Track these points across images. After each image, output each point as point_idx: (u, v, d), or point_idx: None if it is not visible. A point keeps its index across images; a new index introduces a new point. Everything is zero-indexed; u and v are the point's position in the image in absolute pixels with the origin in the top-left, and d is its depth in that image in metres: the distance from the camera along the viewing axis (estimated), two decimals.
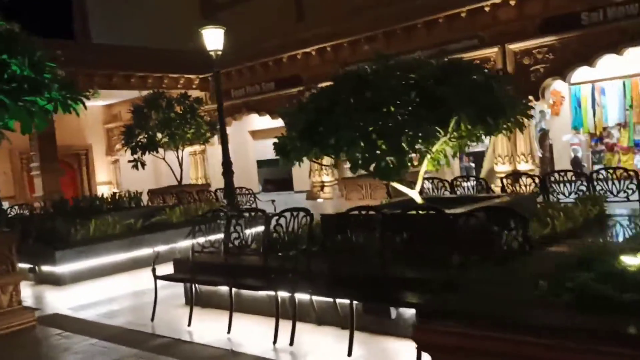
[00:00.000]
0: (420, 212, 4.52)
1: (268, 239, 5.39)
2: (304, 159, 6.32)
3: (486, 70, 5.77)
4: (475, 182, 8.49)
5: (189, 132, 15.12)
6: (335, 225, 5.00)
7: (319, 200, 18.66)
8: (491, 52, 14.78)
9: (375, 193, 10.64)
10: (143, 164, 15.12)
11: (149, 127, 14.72)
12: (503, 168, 14.85)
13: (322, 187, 19.10)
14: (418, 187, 6.20)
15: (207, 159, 23.01)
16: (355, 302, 4.40)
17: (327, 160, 6.46)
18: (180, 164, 16.12)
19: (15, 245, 6.08)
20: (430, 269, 4.15)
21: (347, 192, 11.23)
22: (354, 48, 18.04)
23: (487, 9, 14.89)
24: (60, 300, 7.40)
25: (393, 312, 4.52)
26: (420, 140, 5.11)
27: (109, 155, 25.64)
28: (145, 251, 9.28)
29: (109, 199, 11.24)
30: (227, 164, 8.85)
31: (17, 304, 6.07)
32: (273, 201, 11.24)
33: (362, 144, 5.32)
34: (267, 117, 21.65)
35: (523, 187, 8.45)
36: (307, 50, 18.94)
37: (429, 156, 5.76)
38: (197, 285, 6.06)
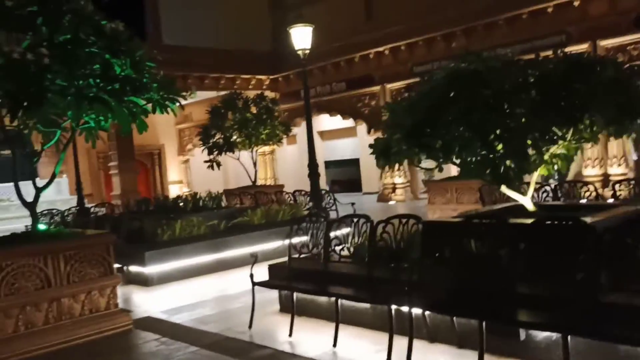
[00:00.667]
0: (553, 222, 4.08)
1: (373, 247, 5.07)
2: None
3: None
4: (579, 187, 7.90)
5: (263, 133, 15.05)
6: (445, 234, 4.63)
7: (391, 202, 18.27)
8: (580, 48, 13.91)
9: (462, 197, 10.17)
10: (219, 164, 15.18)
11: (224, 128, 14.74)
12: (592, 172, 14.01)
13: (393, 189, 18.70)
14: (530, 193, 5.74)
15: (276, 160, 23.02)
16: (480, 321, 4.03)
17: (426, 164, 6.07)
18: (255, 165, 16.10)
19: (112, 247, 6.03)
20: (572, 289, 3.74)
21: (431, 196, 10.79)
22: (429, 46, 17.56)
23: (576, 3, 14.10)
24: (150, 302, 7.35)
25: (522, 334, 4.11)
26: (546, 143, 4.67)
27: (180, 155, 26.14)
28: (228, 253, 9.20)
29: (190, 199, 11.23)
30: (313, 165, 8.61)
31: (114, 307, 6.02)
32: (353, 204, 10.96)
33: (479, 147, 4.94)
34: (336, 117, 21.49)
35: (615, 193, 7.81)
36: (380, 49, 18.60)
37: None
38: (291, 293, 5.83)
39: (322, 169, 25.37)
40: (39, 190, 6.09)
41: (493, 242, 4.18)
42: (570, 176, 14.59)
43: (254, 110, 14.86)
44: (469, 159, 5.12)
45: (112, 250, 6.01)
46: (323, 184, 23.70)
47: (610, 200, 7.39)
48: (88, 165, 23.16)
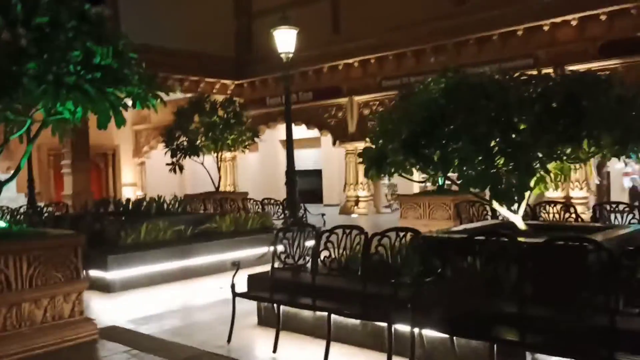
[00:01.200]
0: (567, 241, 3.94)
1: (367, 261, 4.83)
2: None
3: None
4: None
5: (229, 138, 14.66)
6: (447, 250, 4.44)
7: (354, 215, 18.12)
8: (547, 72, 14.16)
9: (435, 213, 10.09)
10: (181, 168, 14.67)
11: (189, 131, 14.28)
12: (555, 194, 14.23)
13: (356, 202, 18.58)
14: (521, 211, 5.63)
15: (236, 167, 22.57)
16: (485, 342, 3.85)
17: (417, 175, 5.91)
18: (219, 170, 15.67)
19: (81, 249, 5.57)
20: (585, 311, 3.60)
21: (403, 210, 10.67)
22: (399, 61, 17.60)
23: (545, 28, 14.40)
24: (114, 310, 6.87)
25: (528, 357, 3.95)
26: (550, 161, 4.57)
27: (135, 157, 25.31)
28: (195, 260, 8.79)
29: (153, 202, 10.72)
30: (291, 173, 8.32)
31: (79, 314, 5.54)
32: (323, 215, 10.74)
33: (480, 161, 4.79)
34: (300, 127, 21.28)
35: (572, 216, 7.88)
36: (349, 61, 18.53)
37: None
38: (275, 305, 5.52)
39: (282, 179, 25.14)
40: (0, 185, 5.58)
41: (500, 261, 4.01)
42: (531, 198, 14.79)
43: (221, 114, 14.46)
44: (467, 173, 4.95)
45: (80, 253, 5.54)
46: (283, 194, 23.44)
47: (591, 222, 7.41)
48: (37, 162, 22.07)
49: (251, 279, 5.89)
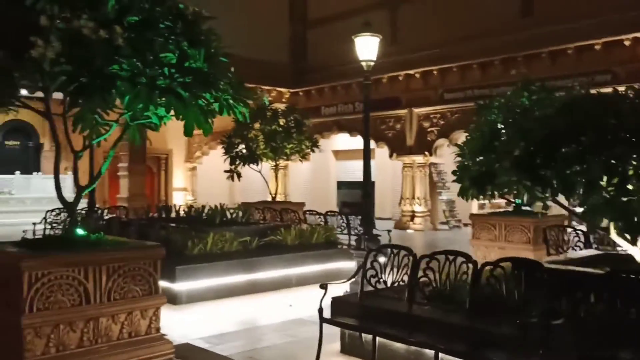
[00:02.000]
0: None
1: (477, 293, 4.35)
2: None
3: None
4: None
5: (287, 147, 14.36)
6: (582, 287, 3.93)
7: (409, 231, 17.57)
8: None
9: (512, 236, 9.47)
10: (239, 175, 14.43)
11: (249, 138, 14.05)
12: None
13: (412, 217, 18.01)
14: None
15: (288, 176, 22.32)
16: None
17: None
18: (276, 179, 15.40)
19: (160, 262, 5.26)
20: None
21: (475, 231, 10.08)
22: (463, 73, 17.04)
23: (626, 42, 13.63)
24: (183, 325, 6.55)
25: None
26: None
27: (187, 162, 25.39)
28: (261, 274, 8.43)
29: (218, 210, 10.44)
30: (367, 186, 7.89)
31: (156, 332, 5.22)
32: (389, 231, 10.25)
33: (611, 187, 4.26)
34: (352, 138, 20.86)
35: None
36: (410, 72, 18.04)
37: None
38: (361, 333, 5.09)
39: (333, 189, 24.77)
40: (81, 190, 5.33)
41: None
42: None
43: (282, 122, 14.18)
44: (593, 199, 4.43)
45: (159, 266, 5.24)
46: (334, 205, 23.04)
47: None
48: (89, 164, 22.32)
49: (336, 302, 5.46)
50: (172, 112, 4.83)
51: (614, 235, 5.10)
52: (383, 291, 5.10)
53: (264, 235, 9.42)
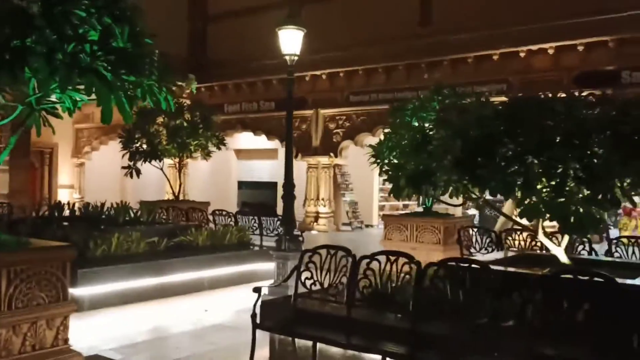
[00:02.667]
0: None
1: (421, 294, 4.24)
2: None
3: None
4: None
5: (193, 143, 13.73)
6: (529, 289, 3.91)
7: (313, 232, 17.47)
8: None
9: (423, 236, 9.59)
10: (138, 172, 13.56)
11: (150, 133, 13.25)
12: (525, 221, 14.18)
13: (316, 218, 17.95)
14: (564, 243, 5.22)
15: (187, 174, 21.44)
16: None
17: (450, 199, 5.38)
18: (180, 176, 14.69)
19: (70, 264, 4.66)
20: None
21: (387, 232, 10.12)
22: (368, 77, 17.25)
23: (522, 54, 14.44)
24: (89, 334, 5.90)
25: None
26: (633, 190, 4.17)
27: (74, 158, 23.69)
28: (171, 277, 7.90)
29: (120, 208, 9.67)
30: (289, 185, 7.61)
31: (64, 343, 4.62)
32: (301, 233, 10.03)
33: (549, 187, 4.33)
34: (255, 137, 20.49)
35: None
36: (317, 73, 17.97)
37: None
38: (294, 338, 4.83)
39: (234, 189, 24.16)
40: None
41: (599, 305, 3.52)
42: (498, 226, 14.70)
43: (187, 117, 13.51)
44: (529, 199, 4.48)
45: (68, 269, 4.64)
46: (234, 205, 22.46)
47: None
48: None
49: (266, 306, 5.13)
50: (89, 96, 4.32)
51: (541, 236, 5.24)
52: (317, 293, 4.86)
53: (173, 236, 8.90)
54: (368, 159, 8.99)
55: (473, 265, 4.15)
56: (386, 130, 9.83)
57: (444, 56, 15.53)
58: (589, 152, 4.23)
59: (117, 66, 4.22)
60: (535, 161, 4.31)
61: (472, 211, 17.36)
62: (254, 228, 10.23)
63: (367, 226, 18.85)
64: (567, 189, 4.31)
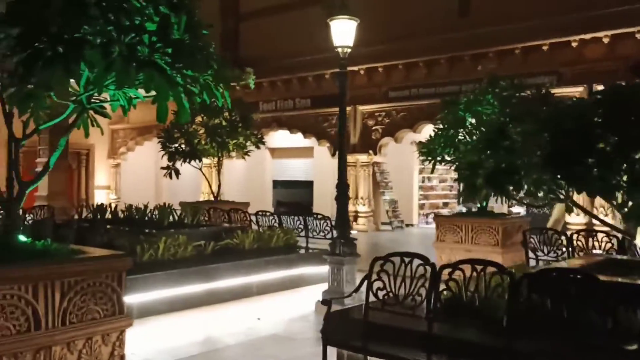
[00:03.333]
0: None
1: (516, 308, 3.77)
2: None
3: None
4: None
5: (231, 143, 13.42)
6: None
7: (352, 232, 17.00)
8: (574, 91, 13.46)
9: (479, 238, 9.06)
10: (177, 173, 13.30)
11: (189, 133, 12.98)
12: (577, 220, 13.53)
13: (355, 218, 17.48)
14: None
15: (223, 173, 21.20)
16: None
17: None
18: (219, 176, 14.42)
19: (124, 276, 4.33)
20: None
21: (439, 233, 9.63)
22: (408, 71, 16.71)
23: (574, 44, 13.75)
24: (141, 345, 5.58)
25: None
26: None
27: (110, 158, 23.69)
28: (220, 283, 7.57)
29: (165, 210, 9.38)
30: (343, 185, 7.19)
31: (120, 359, 4.29)
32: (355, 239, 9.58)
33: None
34: (290, 135, 20.14)
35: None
36: (354, 68, 17.47)
37: None
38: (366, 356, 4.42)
39: (269, 189, 23.86)
40: (24, 187, 4.33)
41: None
42: (550, 222, 14.06)
43: (227, 115, 13.20)
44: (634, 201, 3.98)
45: (124, 280, 4.31)
46: (269, 205, 22.15)
47: None
48: (5, 158, 20.30)
49: (334, 318, 4.71)
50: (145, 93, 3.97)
51: (639, 240, 4.71)
52: (391, 305, 4.43)
53: (218, 239, 8.58)
54: (418, 156, 8.53)
55: (578, 276, 3.66)
56: (438, 126, 9.37)
57: (488, 48, 14.89)
58: None
59: (175, 59, 3.85)
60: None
61: (516, 209, 16.70)
62: (300, 229, 9.84)
63: (407, 225, 18.33)
64: None
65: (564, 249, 7.30)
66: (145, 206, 9.75)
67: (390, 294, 4.44)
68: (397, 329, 4.32)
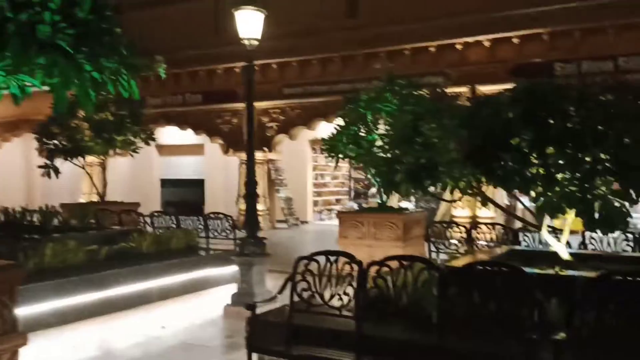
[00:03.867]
0: None
1: (444, 304, 3.76)
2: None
3: None
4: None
5: (118, 139, 12.59)
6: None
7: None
8: (459, 91, 14.12)
9: (381, 233, 9.18)
10: (57, 171, 12.24)
11: (71, 128, 11.99)
12: (462, 213, 14.23)
13: None
14: (565, 238, 4.95)
15: (106, 172, 19.93)
16: None
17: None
18: (104, 175, 13.48)
19: (16, 289, 3.79)
20: None
21: (342, 229, 9.62)
22: (302, 69, 16.69)
23: (458, 46, 14.43)
24: None
25: None
26: None
27: None
28: (116, 290, 6.99)
29: (47, 214, 8.54)
30: (252, 185, 6.89)
31: None
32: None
33: (573, 181, 4.00)
34: (178, 132, 19.40)
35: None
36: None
37: None
38: None
39: (156, 188, 22.77)
40: None
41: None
42: (438, 216, 14.71)
43: (113, 110, 12.34)
44: (548, 195, 4.13)
45: (16, 293, 3.78)
46: (157, 205, 21.13)
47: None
48: None
49: (255, 322, 4.46)
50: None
51: (544, 233, 4.93)
52: (318, 307, 4.27)
53: (112, 243, 7.94)
54: (322, 153, 8.46)
55: (503, 269, 3.72)
56: (339, 123, 9.37)
57: (379, 48, 15.25)
58: (617, 141, 3.92)
59: (81, 42, 3.42)
60: (556, 152, 3.95)
61: (404, 204, 17.29)
62: (200, 230, 9.42)
63: (302, 222, 18.34)
64: (594, 183, 3.98)
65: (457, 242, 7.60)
66: (24, 208, 8.82)
67: (316, 295, 4.28)
68: (324, 330, 4.18)
